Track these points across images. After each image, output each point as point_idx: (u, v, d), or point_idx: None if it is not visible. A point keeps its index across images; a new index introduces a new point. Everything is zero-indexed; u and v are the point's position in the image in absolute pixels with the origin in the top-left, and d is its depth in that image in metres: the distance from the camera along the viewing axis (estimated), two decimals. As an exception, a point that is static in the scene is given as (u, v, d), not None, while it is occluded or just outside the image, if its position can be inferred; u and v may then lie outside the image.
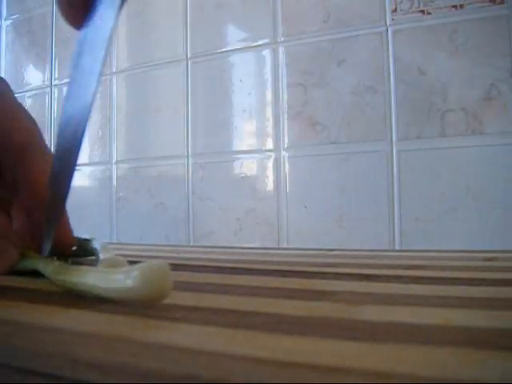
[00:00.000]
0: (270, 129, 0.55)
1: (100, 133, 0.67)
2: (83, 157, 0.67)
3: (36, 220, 0.24)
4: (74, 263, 0.23)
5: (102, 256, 0.24)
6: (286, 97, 0.55)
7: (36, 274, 0.22)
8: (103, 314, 0.15)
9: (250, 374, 0.09)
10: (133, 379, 0.10)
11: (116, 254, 0.25)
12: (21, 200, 0.25)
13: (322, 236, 0.51)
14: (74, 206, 0.27)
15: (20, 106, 0.27)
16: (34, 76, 0.76)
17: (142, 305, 0.15)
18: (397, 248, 0.48)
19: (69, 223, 0.26)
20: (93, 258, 0.26)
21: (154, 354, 0.11)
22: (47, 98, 0.74)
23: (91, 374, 0.10)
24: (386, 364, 0.10)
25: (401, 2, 0.49)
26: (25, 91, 0.75)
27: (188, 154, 0.61)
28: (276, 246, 0.54)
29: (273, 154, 0.55)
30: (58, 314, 0.16)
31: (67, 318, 0.15)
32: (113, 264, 0.21)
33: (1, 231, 0.23)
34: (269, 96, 0.56)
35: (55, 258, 0.23)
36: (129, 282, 0.15)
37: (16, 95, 0.28)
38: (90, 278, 0.17)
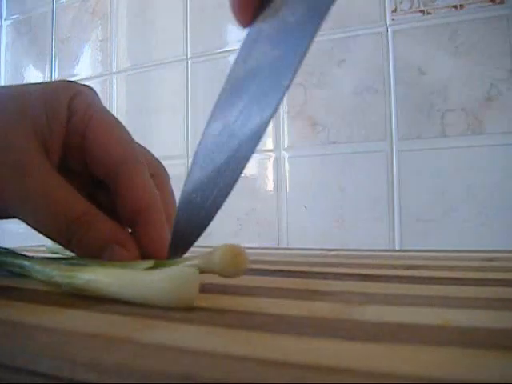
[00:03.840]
0: (269, 129, 0.55)
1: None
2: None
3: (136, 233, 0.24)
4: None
5: None
6: (285, 97, 0.55)
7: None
8: (103, 315, 0.15)
9: (250, 374, 0.09)
10: (133, 379, 0.10)
11: None
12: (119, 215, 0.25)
13: (322, 236, 0.51)
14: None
15: (112, 115, 0.27)
16: (34, 76, 0.76)
17: (166, 307, 0.16)
18: (397, 248, 0.48)
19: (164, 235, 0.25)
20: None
21: (154, 354, 0.11)
22: (47, 98, 0.74)
23: (91, 375, 0.10)
24: (386, 364, 0.10)
25: (401, 2, 0.49)
26: (25, 91, 0.75)
27: (188, 154, 0.61)
28: (276, 246, 0.54)
29: (273, 154, 0.55)
30: (57, 314, 0.16)
31: (67, 318, 0.15)
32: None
33: (110, 236, 0.23)
34: (269, 96, 0.56)
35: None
36: (157, 285, 0.15)
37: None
38: (104, 277, 0.17)
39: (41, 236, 0.24)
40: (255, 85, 0.20)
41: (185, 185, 0.22)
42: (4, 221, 0.25)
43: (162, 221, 0.24)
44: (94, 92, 0.28)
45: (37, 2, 0.76)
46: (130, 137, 0.27)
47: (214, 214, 0.20)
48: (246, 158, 0.20)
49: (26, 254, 0.25)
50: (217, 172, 0.20)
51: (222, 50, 0.59)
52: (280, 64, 0.19)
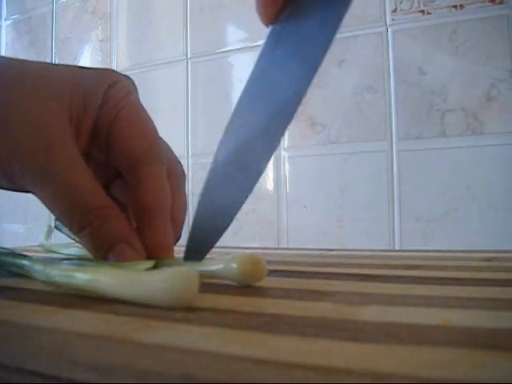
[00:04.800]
0: (269, 129, 0.55)
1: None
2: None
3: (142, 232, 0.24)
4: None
5: None
6: (285, 97, 0.55)
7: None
8: (103, 315, 0.15)
9: (250, 374, 0.09)
10: (132, 379, 0.10)
11: None
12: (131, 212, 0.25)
13: (322, 236, 0.51)
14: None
15: (143, 109, 0.27)
16: (33, 76, 0.76)
17: (166, 307, 0.16)
18: (397, 248, 0.48)
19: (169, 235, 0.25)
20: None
21: (154, 354, 0.11)
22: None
23: (90, 375, 0.10)
24: (386, 364, 0.10)
25: (401, 2, 0.49)
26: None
27: (188, 154, 0.61)
28: (276, 246, 0.54)
29: (273, 154, 0.55)
30: (57, 315, 0.16)
31: (66, 318, 0.15)
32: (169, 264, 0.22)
33: (122, 235, 0.23)
34: (269, 96, 0.56)
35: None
36: (157, 285, 0.16)
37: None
38: (105, 277, 0.17)
39: (41, 236, 0.24)
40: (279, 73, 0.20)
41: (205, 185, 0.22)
42: (4, 221, 0.25)
43: (166, 223, 0.24)
44: (133, 83, 0.28)
45: (37, 1, 0.76)
46: (157, 133, 0.27)
47: (235, 215, 0.20)
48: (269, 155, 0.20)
49: (26, 253, 0.25)
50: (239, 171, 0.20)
51: (222, 50, 0.59)
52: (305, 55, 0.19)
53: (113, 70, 0.27)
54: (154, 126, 0.27)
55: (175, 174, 0.28)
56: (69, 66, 0.26)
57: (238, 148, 0.21)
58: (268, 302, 0.18)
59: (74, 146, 0.23)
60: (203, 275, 0.20)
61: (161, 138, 0.28)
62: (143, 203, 0.24)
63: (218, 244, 0.21)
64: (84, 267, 0.19)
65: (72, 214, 0.22)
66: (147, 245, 0.24)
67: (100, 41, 0.69)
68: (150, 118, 0.27)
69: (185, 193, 0.29)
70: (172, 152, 0.29)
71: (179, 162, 0.30)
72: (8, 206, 0.71)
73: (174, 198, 0.26)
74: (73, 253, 0.31)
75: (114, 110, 0.25)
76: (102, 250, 0.23)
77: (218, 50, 0.59)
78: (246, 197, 0.20)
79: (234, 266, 0.19)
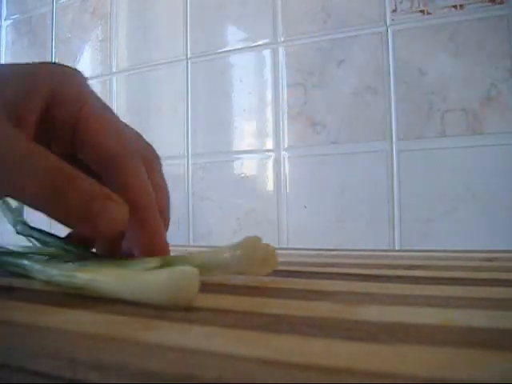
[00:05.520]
0: (269, 129, 0.55)
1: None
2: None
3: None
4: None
5: None
6: (285, 97, 0.55)
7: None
8: (103, 315, 0.15)
9: (250, 374, 0.09)
10: (133, 379, 0.10)
11: None
12: None
13: (322, 236, 0.51)
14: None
15: (101, 101, 0.26)
16: (33, 76, 0.76)
17: (166, 307, 0.16)
18: (397, 248, 0.48)
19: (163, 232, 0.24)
20: None
21: (154, 354, 0.11)
22: (47, 98, 0.74)
23: (91, 375, 0.10)
24: (386, 364, 0.10)
25: (401, 2, 0.49)
26: (25, 91, 0.75)
27: (188, 154, 0.61)
28: (276, 246, 0.54)
29: (273, 154, 0.55)
30: (57, 315, 0.16)
31: (67, 318, 0.15)
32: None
33: (97, 190, 0.21)
34: (269, 96, 0.56)
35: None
36: (157, 285, 0.16)
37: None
38: (105, 277, 0.17)
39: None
40: None
41: None
42: (4, 221, 0.25)
43: (160, 222, 0.24)
44: (81, 74, 0.26)
45: (37, 2, 0.76)
46: (122, 124, 0.26)
47: None
48: None
49: (26, 253, 0.25)
50: None
51: (222, 50, 0.59)
52: None
53: (54, 64, 0.26)
54: (116, 116, 0.26)
55: (150, 158, 0.27)
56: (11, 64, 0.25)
57: None
58: (268, 301, 0.18)
59: (16, 131, 0.21)
60: (208, 268, 0.19)
61: (127, 127, 0.27)
62: (134, 203, 0.22)
63: (218, 244, 0.21)
64: (84, 267, 0.19)
65: (39, 177, 0.20)
66: (143, 246, 0.23)
67: (100, 41, 0.69)
68: (109, 108, 0.26)
69: (163, 177, 0.28)
70: (140, 136, 0.28)
71: (150, 144, 0.28)
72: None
73: (156, 187, 0.25)
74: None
75: (74, 113, 0.23)
76: (80, 211, 0.20)
77: (218, 50, 0.59)
78: None
79: (239, 252, 0.19)
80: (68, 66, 0.26)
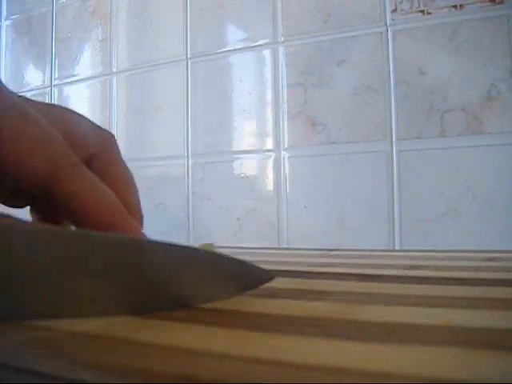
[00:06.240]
0: (269, 129, 0.55)
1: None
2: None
3: None
4: None
5: None
6: (285, 97, 0.55)
7: None
8: (103, 315, 0.15)
9: (250, 374, 0.09)
10: (133, 379, 0.10)
11: None
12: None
13: (322, 236, 0.51)
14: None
15: (30, 115, 0.20)
16: (34, 76, 0.76)
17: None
18: (397, 248, 0.48)
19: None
20: None
21: (154, 354, 0.11)
22: (47, 98, 0.74)
23: (91, 374, 0.10)
24: (386, 364, 0.10)
25: (401, 2, 0.49)
26: (25, 91, 0.75)
27: (188, 154, 0.61)
28: (276, 246, 0.54)
29: (273, 154, 0.55)
30: (57, 314, 0.16)
31: (66, 318, 0.15)
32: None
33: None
34: (269, 96, 0.56)
35: None
36: None
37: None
38: None
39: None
40: None
41: None
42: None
43: (135, 225, 0.21)
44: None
45: (37, 2, 0.76)
46: (44, 119, 0.20)
47: None
48: None
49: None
50: None
51: (222, 50, 0.59)
52: None
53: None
54: (41, 117, 0.20)
55: (107, 149, 0.23)
56: None
57: None
58: (268, 301, 0.18)
59: None
60: None
61: (49, 114, 0.21)
62: (95, 220, 0.19)
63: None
64: None
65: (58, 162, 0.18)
66: None
67: (100, 41, 0.69)
68: (26, 103, 0.20)
69: (126, 165, 0.24)
70: (82, 118, 0.23)
71: (100, 128, 0.23)
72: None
73: (121, 182, 0.22)
74: None
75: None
76: (104, 208, 0.19)
77: (218, 50, 0.59)
78: None
79: None
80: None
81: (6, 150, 0.18)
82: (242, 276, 0.19)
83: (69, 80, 0.72)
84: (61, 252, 0.13)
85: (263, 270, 0.20)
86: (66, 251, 0.13)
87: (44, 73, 0.75)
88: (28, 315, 0.14)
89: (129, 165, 0.24)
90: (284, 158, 0.54)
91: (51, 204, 0.20)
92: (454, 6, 0.46)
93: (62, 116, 0.22)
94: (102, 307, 0.15)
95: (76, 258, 0.13)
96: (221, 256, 0.18)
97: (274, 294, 0.19)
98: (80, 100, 0.70)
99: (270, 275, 0.20)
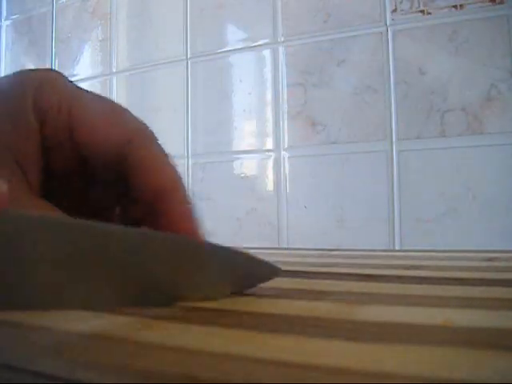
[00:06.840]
0: (269, 129, 0.55)
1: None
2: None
3: None
4: None
5: None
6: (285, 97, 0.55)
7: None
8: (103, 314, 0.15)
9: (250, 374, 0.09)
10: (132, 379, 0.10)
11: None
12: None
13: (322, 236, 0.51)
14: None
15: (86, 92, 0.21)
16: (33, 76, 0.76)
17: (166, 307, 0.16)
18: (397, 248, 0.48)
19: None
20: None
21: (154, 354, 0.11)
22: (47, 98, 0.74)
23: (91, 374, 0.10)
24: (386, 364, 0.10)
25: (401, 2, 0.49)
26: (25, 91, 0.75)
27: (188, 154, 0.61)
28: (276, 246, 0.54)
29: (273, 154, 0.55)
30: (56, 315, 0.16)
31: (66, 318, 0.15)
32: None
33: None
34: (269, 96, 0.56)
35: None
36: None
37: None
38: None
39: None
40: None
41: None
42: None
43: (188, 197, 0.21)
44: (56, 72, 0.22)
45: (37, 2, 0.76)
46: (116, 106, 0.22)
47: None
48: None
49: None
50: None
51: (222, 50, 0.59)
52: None
53: (22, 73, 0.21)
54: (107, 100, 0.22)
55: (150, 146, 0.22)
56: None
57: None
58: (268, 301, 0.18)
59: (27, 194, 0.19)
60: None
61: (120, 107, 0.22)
62: (156, 187, 0.20)
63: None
64: None
65: None
66: (174, 220, 0.20)
67: (100, 41, 0.69)
68: (96, 97, 0.22)
69: (173, 161, 0.23)
70: (130, 114, 0.23)
71: (143, 123, 0.23)
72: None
73: (172, 180, 0.22)
74: None
75: (62, 118, 0.20)
76: None
77: (218, 50, 0.59)
78: None
79: None
80: (35, 70, 0.22)
81: (89, 132, 0.20)
82: (251, 268, 0.19)
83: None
84: (65, 242, 0.13)
85: (271, 265, 0.20)
86: (69, 242, 0.13)
87: (44, 73, 0.75)
88: (26, 303, 0.14)
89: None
90: (284, 158, 0.54)
91: (121, 184, 0.21)
92: (454, 6, 0.46)
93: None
94: (104, 300, 0.16)
95: (81, 249, 0.13)
96: (228, 249, 0.18)
97: (274, 294, 0.19)
98: (80, 100, 0.70)
99: (278, 270, 0.20)
